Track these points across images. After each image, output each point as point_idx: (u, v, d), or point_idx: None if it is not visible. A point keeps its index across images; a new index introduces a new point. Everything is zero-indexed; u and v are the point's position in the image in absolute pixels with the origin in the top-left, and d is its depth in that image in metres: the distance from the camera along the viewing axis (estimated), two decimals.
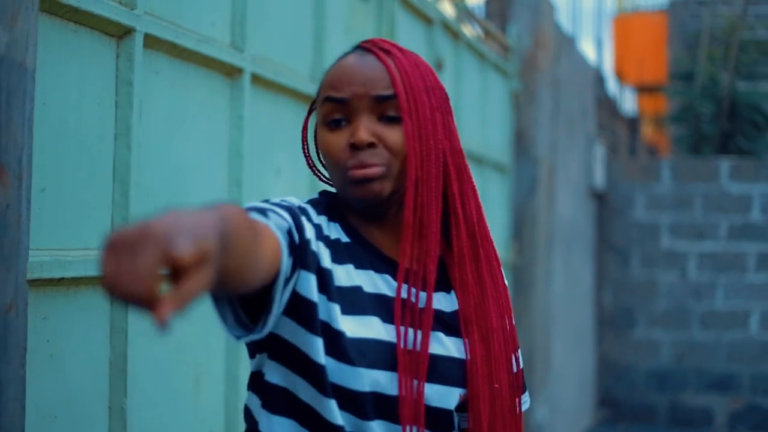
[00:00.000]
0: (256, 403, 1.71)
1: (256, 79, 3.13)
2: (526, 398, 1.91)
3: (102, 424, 2.45)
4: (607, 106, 10.24)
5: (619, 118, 11.23)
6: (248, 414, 1.75)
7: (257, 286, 1.45)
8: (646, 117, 15.03)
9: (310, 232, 1.62)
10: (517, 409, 1.81)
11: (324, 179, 1.86)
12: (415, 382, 1.65)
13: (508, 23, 6.68)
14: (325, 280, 1.63)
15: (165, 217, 1.10)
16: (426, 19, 4.94)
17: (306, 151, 1.84)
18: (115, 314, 2.47)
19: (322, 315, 1.62)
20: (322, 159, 1.76)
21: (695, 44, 11.58)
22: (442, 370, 1.70)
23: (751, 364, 8.88)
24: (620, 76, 16.36)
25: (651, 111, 16.23)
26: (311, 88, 3.45)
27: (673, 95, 12.51)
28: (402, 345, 1.65)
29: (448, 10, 5.37)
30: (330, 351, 1.62)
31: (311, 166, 1.84)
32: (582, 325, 8.58)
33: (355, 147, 1.66)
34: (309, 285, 1.61)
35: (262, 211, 1.55)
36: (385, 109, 1.68)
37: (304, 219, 1.63)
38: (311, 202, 1.75)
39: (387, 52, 1.71)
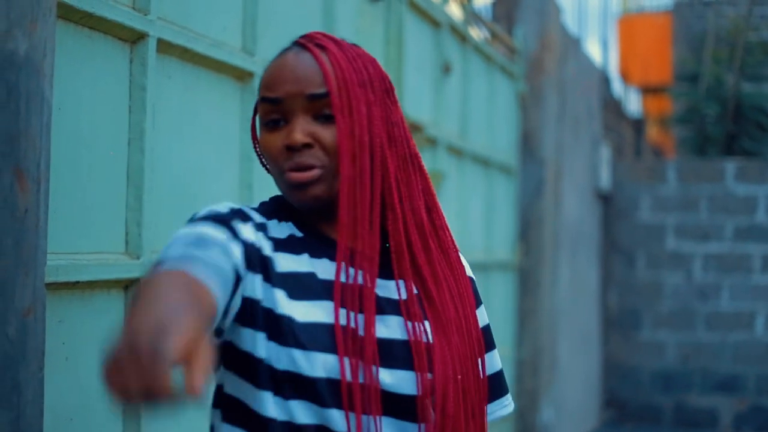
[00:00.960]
0: (217, 417, 1.70)
1: None
2: (507, 401, 1.88)
3: (116, 427, 2.47)
4: (612, 107, 10.25)
5: (624, 119, 11.24)
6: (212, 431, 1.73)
7: None
8: (651, 118, 15.02)
9: (247, 232, 1.62)
10: (484, 411, 1.75)
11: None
12: (363, 366, 1.62)
13: (514, 25, 6.70)
14: (266, 268, 1.63)
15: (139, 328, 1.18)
16: (434, 21, 4.96)
17: (258, 150, 1.80)
18: None
19: (267, 304, 1.61)
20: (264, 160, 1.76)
21: (700, 45, 11.60)
22: (398, 354, 1.66)
23: (757, 365, 8.89)
24: (625, 76, 16.36)
25: (656, 112, 16.23)
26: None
27: (678, 96, 12.52)
28: (342, 326, 1.62)
29: (455, 12, 5.39)
30: (277, 337, 1.60)
31: (264, 166, 1.80)
32: (588, 326, 8.60)
33: (291, 148, 1.65)
34: (254, 285, 1.61)
35: (191, 258, 1.49)
36: (320, 107, 1.65)
37: (236, 223, 1.62)
38: (260, 206, 1.75)
39: (322, 47, 1.68)
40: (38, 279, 1.87)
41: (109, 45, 2.44)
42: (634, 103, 16.87)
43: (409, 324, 1.68)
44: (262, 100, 1.70)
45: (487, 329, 1.85)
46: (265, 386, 1.61)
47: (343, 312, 1.63)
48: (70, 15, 2.26)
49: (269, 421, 1.61)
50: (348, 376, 1.60)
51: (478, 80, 5.78)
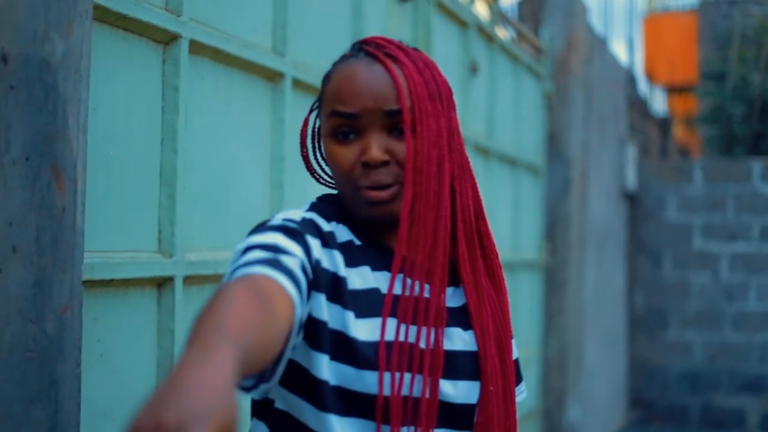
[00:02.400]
0: (261, 429, 1.68)
1: (297, 83, 3.18)
2: (522, 388, 1.89)
3: None
4: (638, 107, 10.23)
5: (650, 119, 11.22)
6: None
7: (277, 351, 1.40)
8: (677, 118, 14.99)
9: (317, 251, 1.58)
10: (514, 397, 1.77)
11: (326, 183, 1.81)
12: (430, 380, 1.61)
13: (540, 25, 6.71)
14: (339, 288, 1.60)
15: (173, 396, 0.99)
16: (461, 22, 4.98)
17: (305, 153, 1.77)
18: (163, 315, 2.52)
19: (335, 325, 1.58)
20: (328, 168, 1.71)
21: (726, 44, 11.56)
22: (459, 364, 1.67)
23: None
24: (650, 76, 16.33)
25: (682, 111, 16.19)
26: None
27: (704, 96, 12.48)
28: (399, 342, 1.60)
29: (482, 12, 5.40)
30: (346, 359, 1.58)
31: (310, 170, 1.79)
32: (614, 326, 8.59)
33: (368, 165, 1.62)
34: (319, 304, 1.57)
35: (273, 263, 1.45)
36: (395, 122, 1.63)
37: (309, 238, 1.57)
38: (314, 209, 1.70)
39: (393, 58, 1.65)
40: (75, 277, 1.90)
41: (142, 46, 2.47)
42: (659, 103, 16.84)
43: (466, 333, 1.69)
44: (334, 113, 1.64)
45: (509, 322, 1.85)
46: (329, 408, 1.58)
47: (393, 326, 1.62)
48: (105, 17, 2.29)
49: None
50: (412, 392, 1.60)
51: (505, 80, 5.80)
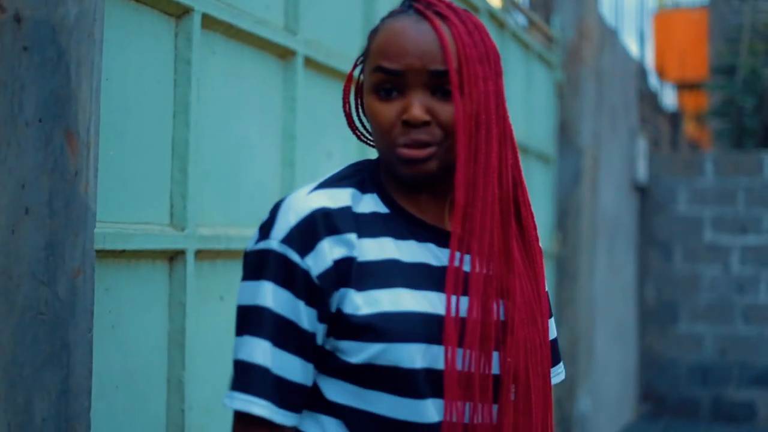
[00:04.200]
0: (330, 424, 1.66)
1: (309, 62, 3.17)
2: (561, 369, 1.86)
3: (161, 395, 2.49)
4: (649, 100, 10.21)
5: (660, 112, 11.20)
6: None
7: None
8: (688, 114, 14.95)
9: (336, 250, 1.57)
10: (549, 377, 1.73)
11: (367, 141, 1.79)
12: (483, 354, 1.60)
13: (552, 14, 6.70)
14: (359, 275, 1.58)
15: None
16: (472, 8, 4.97)
17: (347, 109, 1.76)
18: (174, 288, 2.51)
19: (363, 311, 1.58)
20: (368, 125, 1.70)
21: (737, 38, 11.53)
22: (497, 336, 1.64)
23: None
24: (661, 72, 16.29)
25: (692, 108, 16.15)
26: None
27: (714, 89, 12.45)
28: (453, 314, 1.58)
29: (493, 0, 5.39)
30: (370, 336, 1.57)
31: (353, 128, 1.77)
32: (624, 319, 8.57)
33: (408, 124, 1.59)
34: (350, 298, 1.57)
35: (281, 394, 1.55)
36: (440, 83, 1.59)
37: (309, 259, 1.56)
38: (337, 178, 1.68)
39: (443, 17, 1.61)
40: (88, 240, 1.90)
41: (155, 18, 2.47)
42: (669, 100, 16.81)
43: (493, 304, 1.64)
44: (378, 69, 1.62)
45: (546, 297, 1.81)
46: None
47: (442, 299, 1.61)
48: None
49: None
50: (464, 366, 1.59)
51: (516, 68, 5.78)
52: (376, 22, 3.56)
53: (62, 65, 1.82)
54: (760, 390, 8.91)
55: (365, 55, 1.69)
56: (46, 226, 1.78)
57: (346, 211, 1.61)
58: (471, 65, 1.60)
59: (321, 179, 1.68)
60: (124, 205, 2.35)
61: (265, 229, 1.59)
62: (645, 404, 9.19)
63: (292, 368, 1.56)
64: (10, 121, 1.71)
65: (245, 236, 2.66)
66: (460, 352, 1.59)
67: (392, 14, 1.67)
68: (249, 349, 1.56)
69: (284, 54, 3.05)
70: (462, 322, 1.60)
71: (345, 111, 1.76)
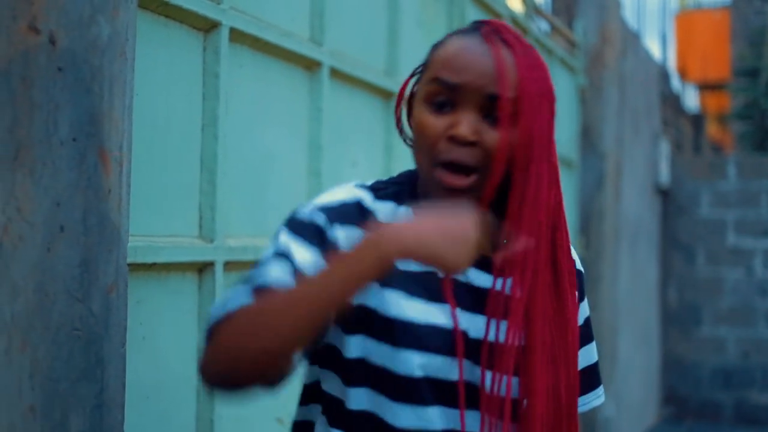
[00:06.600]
0: (315, 411, 1.71)
1: (334, 72, 3.20)
2: (600, 392, 1.86)
3: (190, 405, 2.52)
4: (671, 103, 10.20)
5: (683, 115, 11.18)
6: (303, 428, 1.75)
7: None
8: (710, 115, 14.92)
9: (346, 241, 1.59)
10: (575, 408, 1.71)
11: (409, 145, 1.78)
12: (499, 374, 1.61)
13: (574, 19, 6.71)
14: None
15: None
16: (495, 14, 4.98)
17: (398, 114, 1.76)
18: (203, 299, 2.54)
19: (380, 309, 1.61)
20: (412, 132, 1.68)
21: (759, 40, 11.51)
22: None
23: None
24: (683, 73, 16.26)
25: (714, 109, 16.11)
26: (386, 83, 3.52)
27: (737, 92, 12.43)
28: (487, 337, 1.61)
29: (516, 5, 5.41)
30: (389, 339, 1.60)
31: (399, 129, 1.77)
32: (647, 322, 8.57)
33: (454, 140, 1.59)
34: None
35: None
36: (492, 108, 1.59)
37: (338, 229, 1.60)
38: (375, 187, 1.71)
39: (509, 45, 1.62)
40: (121, 257, 1.92)
41: (183, 33, 2.50)
42: (692, 101, 16.77)
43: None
44: (436, 79, 1.62)
45: (586, 323, 1.82)
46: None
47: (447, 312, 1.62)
48: (148, 3, 2.32)
49: (414, 381, 1.61)
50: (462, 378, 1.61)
51: None
52: (400, 32, 3.61)
53: (95, 85, 1.84)
54: None
55: (424, 66, 1.70)
56: (80, 243, 1.81)
57: (374, 215, 1.65)
58: (529, 98, 1.59)
59: (365, 182, 1.72)
60: (154, 218, 2.38)
61: (293, 218, 1.64)
62: (667, 407, 9.18)
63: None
64: (45, 141, 1.73)
65: None
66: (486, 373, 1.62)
67: (459, 32, 1.68)
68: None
69: (310, 65, 3.08)
70: (479, 343, 1.62)
71: (396, 115, 1.77)
